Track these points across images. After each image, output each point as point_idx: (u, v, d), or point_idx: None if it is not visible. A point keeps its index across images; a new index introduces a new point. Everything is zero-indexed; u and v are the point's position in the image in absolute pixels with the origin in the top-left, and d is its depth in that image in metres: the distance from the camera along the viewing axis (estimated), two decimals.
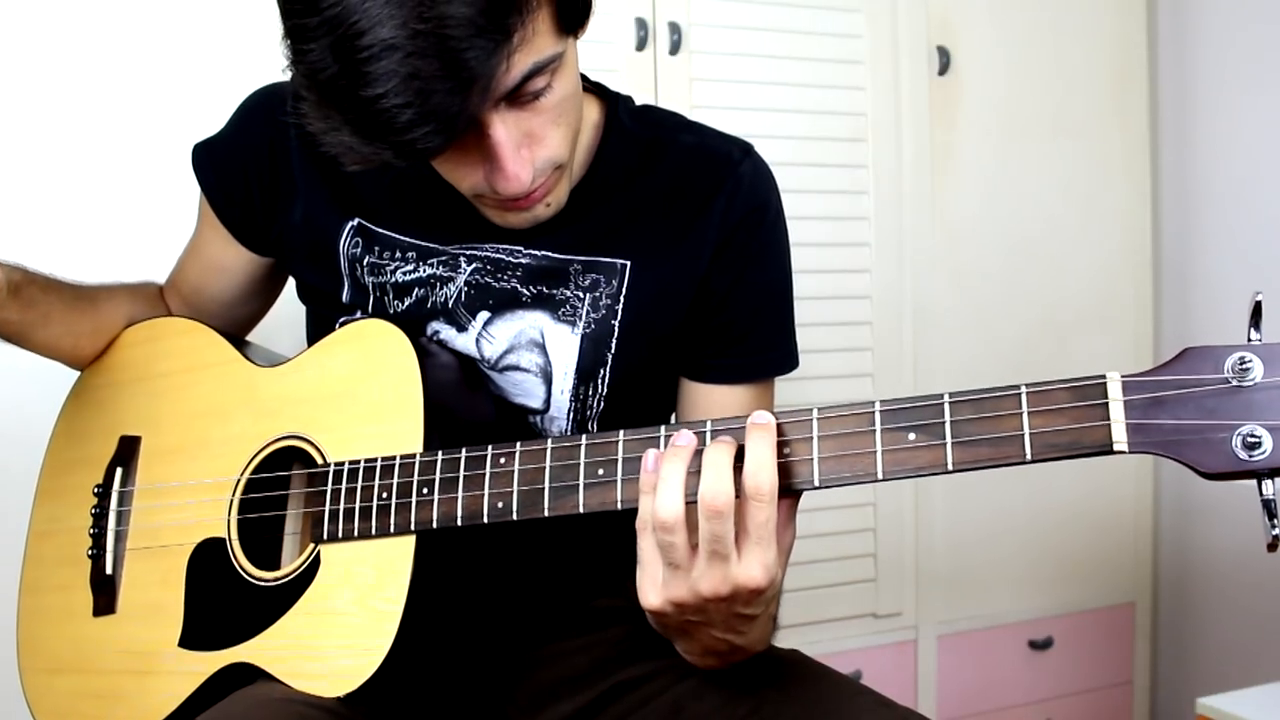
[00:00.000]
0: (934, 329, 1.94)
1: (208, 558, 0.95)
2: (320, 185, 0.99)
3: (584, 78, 1.00)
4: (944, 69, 1.94)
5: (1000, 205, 2.01)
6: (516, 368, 0.96)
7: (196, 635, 0.93)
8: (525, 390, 0.96)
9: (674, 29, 1.74)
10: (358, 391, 0.91)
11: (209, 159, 1.05)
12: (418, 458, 0.85)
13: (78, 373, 1.11)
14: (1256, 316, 0.64)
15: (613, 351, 0.95)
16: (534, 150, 0.82)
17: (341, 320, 1.00)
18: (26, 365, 1.49)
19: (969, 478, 1.98)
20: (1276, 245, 1.93)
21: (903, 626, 1.97)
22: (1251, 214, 2.01)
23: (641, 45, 1.72)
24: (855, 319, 1.90)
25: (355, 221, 0.98)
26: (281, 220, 1.02)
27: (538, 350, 0.95)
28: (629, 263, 0.95)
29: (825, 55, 1.86)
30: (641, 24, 1.72)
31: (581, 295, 0.95)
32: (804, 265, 1.84)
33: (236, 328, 1.14)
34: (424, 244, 0.97)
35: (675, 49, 1.75)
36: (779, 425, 0.72)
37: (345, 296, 1.00)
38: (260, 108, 1.01)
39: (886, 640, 1.96)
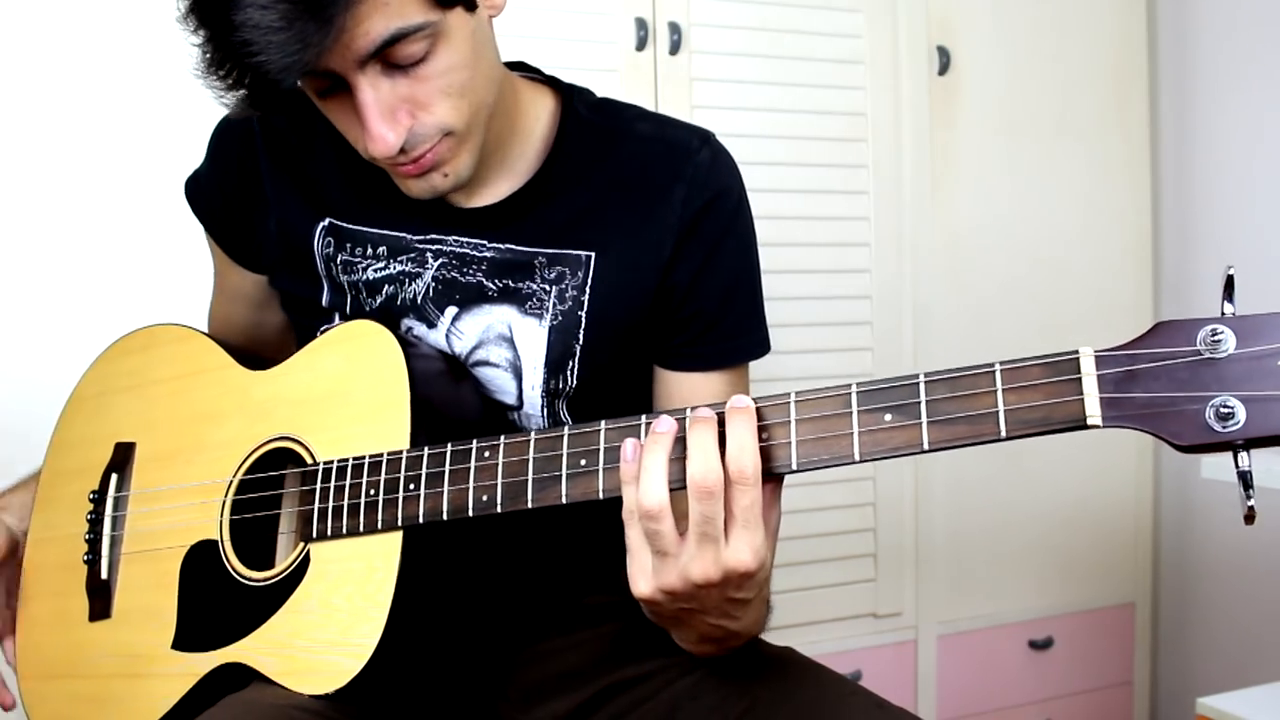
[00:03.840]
0: (934, 329, 1.94)
1: (201, 560, 0.95)
2: (291, 191, 1.01)
3: (537, 71, 1.02)
4: (944, 69, 1.94)
5: (1000, 205, 2.01)
6: (486, 363, 0.96)
7: (189, 637, 0.93)
8: (498, 387, 0.97)
9: (674, 29, 1.74)
10: (347, 391, 0.92)
11: (197, 192, 1.08)
12: (404, 454, 0.85)
13: (76, 379, 1.11)
14: (1229, 289, 0.64)
15: (580, 343, 0.95)
16: (417, 116, 0.83)
17: (322, 328, 1.00)
18: (27, 370, 1.50)
19: (969, 476, 1.98)
20: (1277, 245, 1.93)
21: (903, 626, 1.97)
22: (1251, 214, 2.01)
23: (641, 45, 1.72)
24: (855, 319, 1.90)
25: (326, 221, 1.00)
26: (260, 234, 1.04)
27: (506, 344, 0.96)
28: (593, 254, 0.95)
29: (825, 55, 1.86)
30: (641, 24, 1.72)
31: (547, 288, 0.95)
32: (804, 265, 1.86)
33: (273, 349, 1.16)
34: (392, 235, 0.98)
35: (675, 49, 1.75)
36: (758, 409, 0.72)
37: (324, 299, 1.01)
38: (228, 132, 1.04)
39: (886, 640, 1.96)
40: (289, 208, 1.01)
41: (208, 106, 1.08)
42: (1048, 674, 2.08)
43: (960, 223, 1.98)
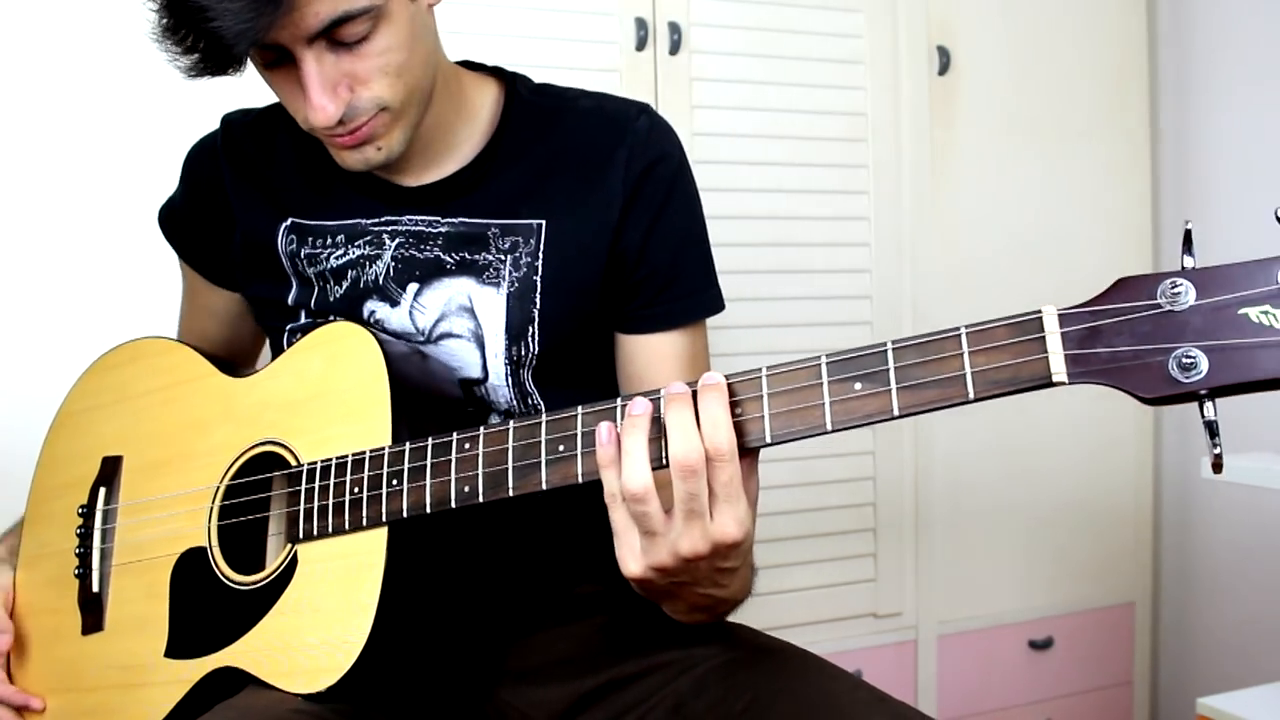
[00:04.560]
0: (934, 329, 1.93)
1: (191, 567, 0.96)
2: (254, 201, 1.06)
3: (481, 66, 1.07)
4: (944, 69, 1.94)
5: (1000, 205, 2.01)
6: (450, 335, 0.99)
7: (182, 644, 0.94)
8: (461, 361, 0.99)
9: (674, 29, 1.74)
10: (329, 393, 0.93)
11: (171, 219, 1.14)
12: (386, 450, 0.86)
13: (62, 396, 1.13)
14: (1187, 244, 0.65)
15: (538, 306, 0.98)
16: (356, 90, 0.89)
17: (290, 327, 1.04)
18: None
19: (969, 476, 1.98)
20: (1277, 245, 1.93)
21: (903, 626, 1.97)
22: (1251, 214, 2.01)
23: (641, 45, 1.72)
24: (855, 319, 1.90)
25: (289, 221, 1.04)
26: (230, 249, 1.08)
27: (468, 315, 0.99)
28: (543, 222, 0.99)
29: (825, 55, 1.86)
30: (641, 24, 1.72)
31: (503, 257, 0.99)
32: (804, 265, 1.86)
33: (248, 361, 1.21)
34: (349, 222, 1.02)
35: (675, 49, 1.75)
36: (730, 386, 0.74)
37: (291, 297, 1.04)
38: (196, 157, 1.11)
39: (886, 640, 1.96)
40: (253, 216, 1.05)
41: (193, 123, 1.12)
42: (1048, 674, 2.08)
43: (960, 223, 1.98)
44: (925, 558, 1.97)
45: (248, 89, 1.03)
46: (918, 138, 1.92)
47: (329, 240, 1.02)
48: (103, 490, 1.04)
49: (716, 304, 1.05)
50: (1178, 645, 2.18)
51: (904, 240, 1.93)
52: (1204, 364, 0.62)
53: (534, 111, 1.03)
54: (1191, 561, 2.14)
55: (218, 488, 0.96)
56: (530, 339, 0.99)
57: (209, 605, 0.93)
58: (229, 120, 1.10)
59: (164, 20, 0.83)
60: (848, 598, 1.92)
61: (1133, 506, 2.13)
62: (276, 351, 1.06)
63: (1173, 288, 0.64)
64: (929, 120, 1.93)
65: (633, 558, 0.76)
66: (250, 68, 0.89)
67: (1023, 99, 2.01)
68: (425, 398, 0.93)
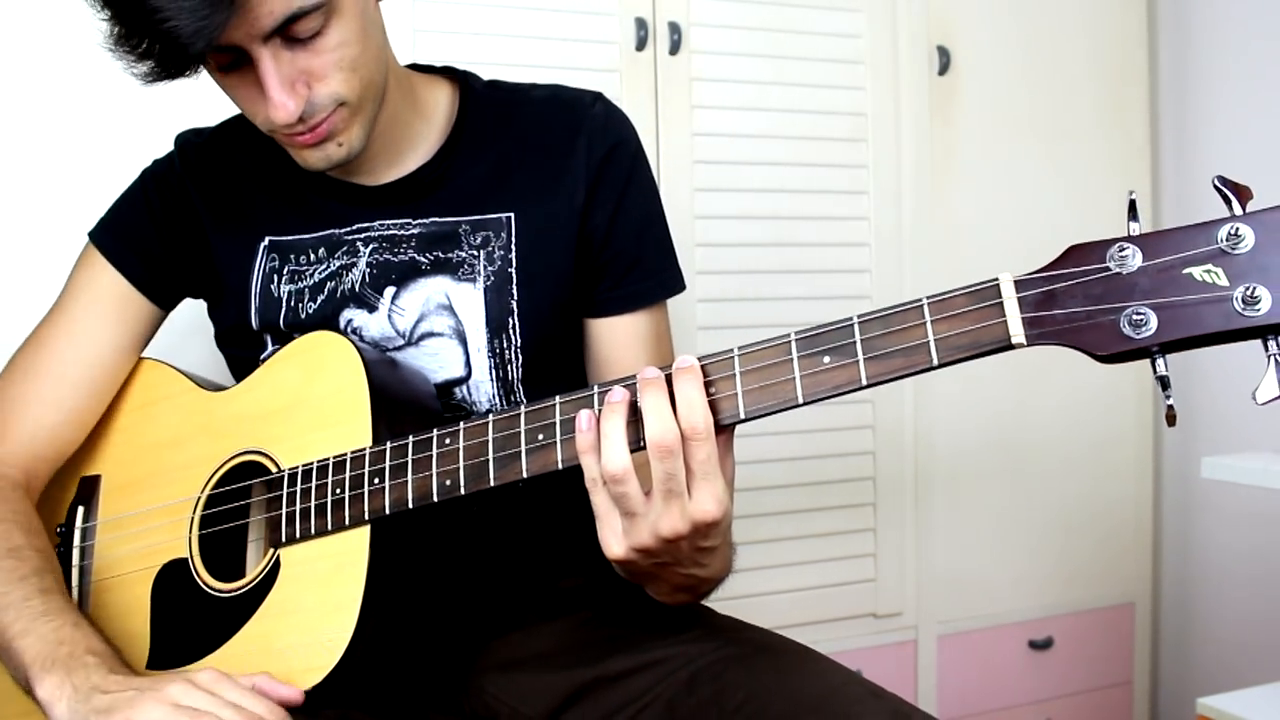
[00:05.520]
0: None
1: (172, 579, 0.96)
2: (228, 223, 1.05)
3: (430, 67, 1.09)
4: (944, 69, 1.94)
5: (1000, 205, 2.01)
6: (431, 334, 1.00)
7: (164, 655, 0.93)
8: (445, 360, 1.00)
9: (674, 29, 1.74)
10: (306, 400, 0.93)
11: (121, 241, 1.05)
12: (367, 451, 0.87)
13: None
14: (1133, 211, 0.69)
15: (515, 298, 1.00)
16: (314, 87, 0.90)
17: (263, 355, 1.03)
18: None
19: (969, 476, 1.98)
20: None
21: (903, 626, 1.97)
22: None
23: (641, 45, 1.72)
24: None
25: (266, 241, 1.04)
26: (190, 269, 1.07)
27: (447, 312, 1.00)
28: (512, 215, 1.01)
29: (825, 55, 1.86)
30: (641, 24, 1.72)
31: (476, 253, 1.00)
32: (804, 265, 1.86)
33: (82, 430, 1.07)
34: (324, 234, 1.02)
35: (675, 49, 1.75)
36: (704, 367, 0.76)
37: (255, 321, 1.03)
38: (158, 183, 1.07)
39: (886, 640, 1.96)
40: (230, 239, 1.05)
41: (155, 146, 1.09)
42: (1048, 674, 2.08)
43: (960, 222, 1.98)
44: (925, 557, 1.97)
45: (203, 97, 1.03)
46: (918, 138, 1.92)
47: (311, 256, 1.02)
48: (81, 509, 1.04)
49: (678, 284, 1.07)
50: (1178, 645, 2.18)
51: (904, 240, 1.93)
52: (1153, 321, 0.65)
53: (490, 105, 1.05)
54: (1191, 561, 2.14)
55: (198, 498, 0.96)
56: (511, 330, 1.00)
57: (191, 615, 0.93)
58: (183, 142, 1.09)
59: (116, 28, 0.82)
60: (847, 598, 1.92)
61: (1133, 506, 2.13)
62: (239, 377, 1.05)
63: (1120, 251, 0.67)
64: (929, 120, 1.93)
65: (615, 539, 0.78)
66: (205, 74, 0.89)
67: (1023, 98, 2.01)
68: (403, 401, 0.93)
